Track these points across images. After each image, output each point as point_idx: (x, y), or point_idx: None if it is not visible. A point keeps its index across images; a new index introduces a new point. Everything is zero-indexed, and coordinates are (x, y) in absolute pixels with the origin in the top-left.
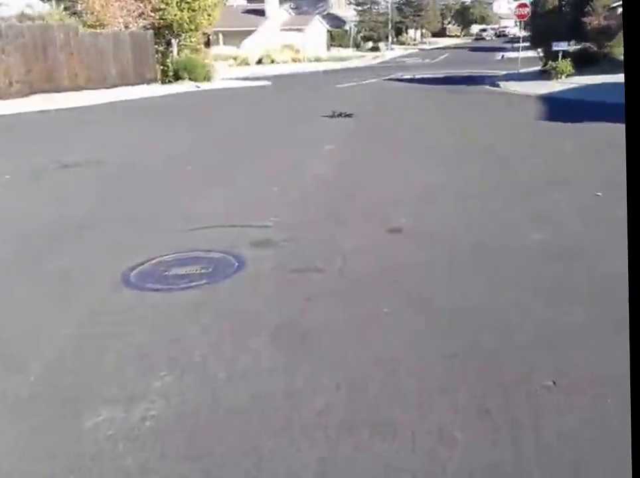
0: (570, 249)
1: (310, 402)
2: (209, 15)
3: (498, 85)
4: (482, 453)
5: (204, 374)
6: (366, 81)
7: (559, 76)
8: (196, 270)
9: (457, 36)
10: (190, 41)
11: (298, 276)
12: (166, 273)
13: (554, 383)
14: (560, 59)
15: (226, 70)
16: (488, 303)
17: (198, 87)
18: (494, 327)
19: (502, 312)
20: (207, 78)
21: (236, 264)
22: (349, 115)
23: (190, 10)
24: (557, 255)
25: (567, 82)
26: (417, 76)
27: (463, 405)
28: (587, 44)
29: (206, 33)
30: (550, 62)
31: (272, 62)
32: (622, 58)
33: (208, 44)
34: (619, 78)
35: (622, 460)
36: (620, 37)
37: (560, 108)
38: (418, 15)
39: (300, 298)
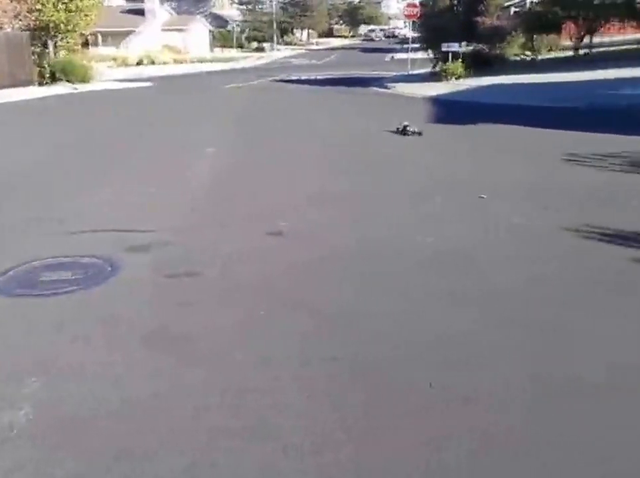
0: (454, 251)
1: (182, 406)
2: (86, 16)
3: (387, 87)
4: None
5: (74, 380)
6: (252, 83)
7: (449, 77)
8: (69, 276)
9: (346, 37)
10: (68, 42)
11: (174, 281)
12: (38, 278)
13: (430, 385)
14: (450, 60)
15: (106, 72)
16: (360, 305)
17: (76, 89)
18: (370, 330)
19: (376, 315)
20: (86, 80)
21: (111, 269)
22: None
23: (67, 11)
24: (441, 258)
25: (457, 84)
26: (304, 77)
27: (340, 405)
28: (480, 45)
29: (84, 34)
30: (440, 64)
31: (152, 63)
32: (513, 58)
33: (86, 45)
34: (510, 79)
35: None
36: (512, 38)
37: (447, 110)
38: (304, 15)
39: (175, 303)
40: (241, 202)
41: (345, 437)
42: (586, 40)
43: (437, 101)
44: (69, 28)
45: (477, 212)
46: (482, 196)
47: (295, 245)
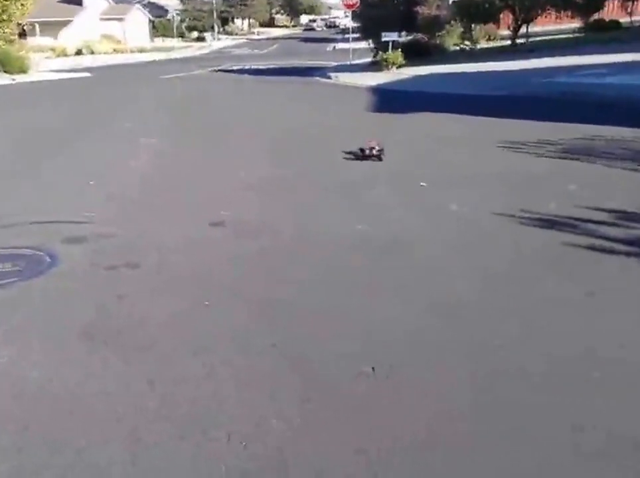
0: (392, 238)
1: (121, 401)
2: (22, 5)
3: (329, 77)
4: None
5: (9, 377)
6: (192, 73)
7: (389, 67)
8: (6, 267)
9: (287, 27)
10: (4, 32)
11: (113, 273)
12: None
13: (373, 369)
14: (390, 50)
15: (44, 62)
16: (303, 294)
17: (14, 79)
18: (309, 318)
19: (317, 304)
20: (23, 70)
21: (48, 261)
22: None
23: (2, 0)
24: (379, 245)
25: (397, 73)
26: (247, 67)
27: (279, 396)
28: (419, 35)
29: (21, 24)
30: (380, 53)
31: (92, 53)
32: (453, 48)
33: (24, 35)
34: (448, 68)
35: None
36: (450, 28)
37: (387, 99)
38: (245, 5)
39: (114, 295)
40: (181, 193)
41: (284, 426)
42: (523, 29)
43: (377, 90)
44: (4, 17)
45: (416, 200)
46: (423, 184)
47: (236, 235)
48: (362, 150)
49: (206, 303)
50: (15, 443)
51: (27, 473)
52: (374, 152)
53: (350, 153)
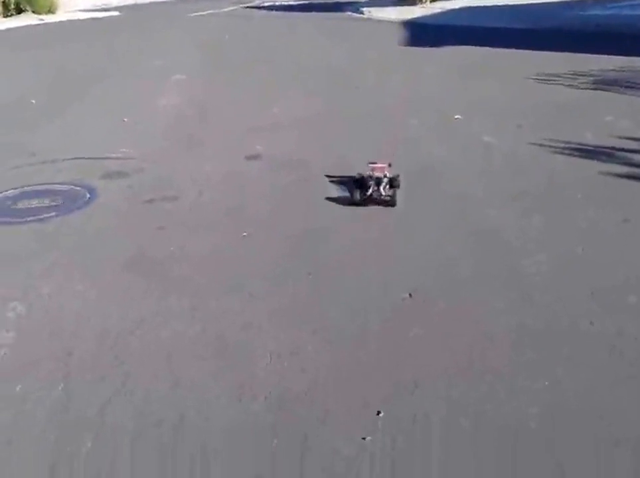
0: (427, 168)
1: (163, 328)
2: None
3: (361, 12)
4: None
5: (54, 307)
6: (223, 10)
7: (423, 1)
8: (44, 203)
9: None
10: None
11: (151, 206)
12: (13, 206)
13: (410, 295)
14: None
15: (72, 2)
16: (338, 224)
17: (42, 20)
18: (345, 248)
19: (352, 234)
20: (51, 11)
21: (87, 196)
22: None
23: None
24: (412, 175)
25: (430, 7)
26: (277, 3)
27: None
28: None
29: None
30: None
31: None
32: None
33: None
34: (481, 2)
35: None
36: None
37: (421, 33)
38: None
39: (152, 228)
40: (216, 128)
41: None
42: None
43: (411, 24)
44: None
45: (450, 132)
46: (457, 116)
47: (272, 168)
48: (359, 181)
49: (244, 233)
50: (59, 373)
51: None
52: (383, 189)
53: (340, 182)
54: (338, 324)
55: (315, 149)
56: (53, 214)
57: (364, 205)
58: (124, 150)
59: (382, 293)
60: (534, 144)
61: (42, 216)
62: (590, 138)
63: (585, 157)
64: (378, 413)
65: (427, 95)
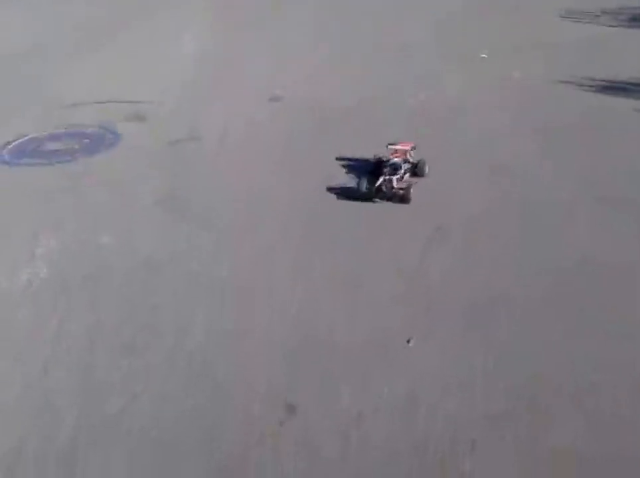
0: (455, 105)
1: (190, 261)
2: None
3: None
4: None
5: (86, 240)
6: None
7: None
8: (72, 145)
9: None
10: None
11: (176, 146)
12: (42, 148)
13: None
14: None
15: None
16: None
17: None
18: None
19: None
20: None
21: (113, 137)
22: None
23: None
24: (433, 113)
25: None
26: None
27: None
28: None
29: None
30: None
31: None
32: None
33: None
34: None
35: None
36: None
37: None
38: None
39: (179, 165)
40: (238, 73)
41: None
42: None
43: None
44: None
45: (476, 70)
46: (483, 55)
47: (295, 110)
48: (375, 166)
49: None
50: (92, 301)
51: (106, 328)
52: (397, 180)
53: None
54: None
55: (336, 90)
56: (80, 155)
57: (371, 199)
58: (149, 94)
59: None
60: (564, 81)
61: (70, 157)
62: (622, 75)
63: (618, 94)
64: None
65: (450, 34)
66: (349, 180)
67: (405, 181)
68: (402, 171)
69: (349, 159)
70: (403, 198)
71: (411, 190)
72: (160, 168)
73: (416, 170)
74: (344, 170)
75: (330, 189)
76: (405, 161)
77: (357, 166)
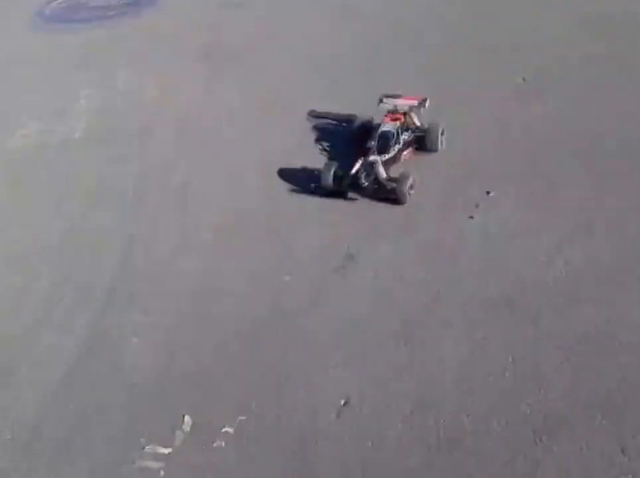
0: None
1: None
2: None
3: None
4: None
5: (130, 92)
6: None
7: None
8: (117, 1)
9: None
10: None
11: (220, 10)
12: (86, 7)
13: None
14: None
15: None
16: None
17: None
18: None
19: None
20: None
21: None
22: None
23: None
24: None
25: None
26: None
27: None
28: None
29: None
30: None
31: None
32: None
33: None
34: None
35: None
36: None
37: None
38: None
39: (222, 28)
40: None
41: None
42: None
43: None
44: None
45: None
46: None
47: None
48: (361, 132)
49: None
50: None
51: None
52: (382, 168)
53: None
54: None
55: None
56: (128, 10)
57: (344, 196)
58: None
59: None
60: None
61: (117, 12)
62: None
63: None
64: None
65: None
66: (317, 157)
67: (405, 159)
68: (398, 146)
69: (326, 118)
70: (396, 193)
71: (410, 184)
72: (204, 29)
73: (425, 142)
74: (314, 135)
75: (284, 174)
76: (407, 128)
77: (335, 131)
